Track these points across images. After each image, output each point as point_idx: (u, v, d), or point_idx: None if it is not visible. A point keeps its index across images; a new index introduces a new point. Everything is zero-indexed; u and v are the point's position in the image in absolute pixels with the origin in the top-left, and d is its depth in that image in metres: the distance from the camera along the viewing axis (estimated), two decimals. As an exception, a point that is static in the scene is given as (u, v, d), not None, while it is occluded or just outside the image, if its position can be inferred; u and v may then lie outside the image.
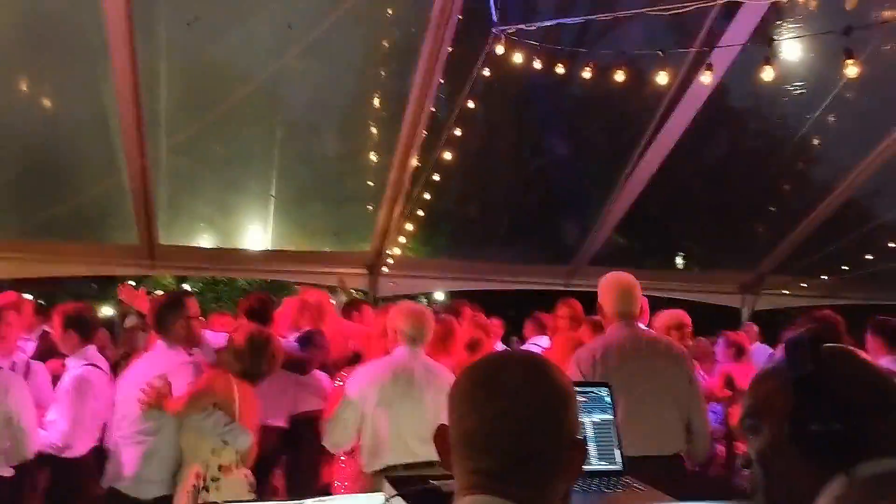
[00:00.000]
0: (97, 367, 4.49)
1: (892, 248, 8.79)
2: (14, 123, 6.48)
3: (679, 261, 9.91)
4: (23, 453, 3.98)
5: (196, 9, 6.00)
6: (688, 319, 5.35)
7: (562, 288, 9.19)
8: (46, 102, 6.65)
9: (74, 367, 4.43)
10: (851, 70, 5.02)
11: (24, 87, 6.48)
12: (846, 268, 9.07)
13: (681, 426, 3.64)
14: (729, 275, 9.59)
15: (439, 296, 12.16)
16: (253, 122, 6.95)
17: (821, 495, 1.18)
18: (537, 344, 6.39)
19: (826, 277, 9.24)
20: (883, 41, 6.37)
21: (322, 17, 5.96)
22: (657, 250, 9.58)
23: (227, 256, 8.23)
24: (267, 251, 8.11)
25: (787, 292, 9.61)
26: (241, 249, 8.12)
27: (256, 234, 8.10)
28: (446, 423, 1.25)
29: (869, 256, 8.88)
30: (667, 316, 5.32)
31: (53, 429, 4.28)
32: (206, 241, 8.09)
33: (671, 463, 3.56)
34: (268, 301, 5.61)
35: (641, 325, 3.94)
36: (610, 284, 3.82)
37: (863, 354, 1.34)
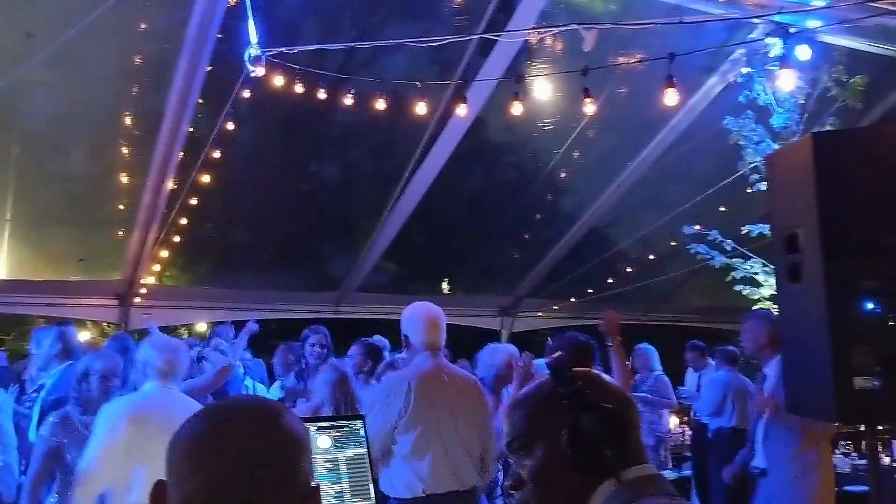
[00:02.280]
0: None
1: (629, 272, 9.71)
2: None
3: (444, 286, 10.21)
4: None
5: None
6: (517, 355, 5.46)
7: (330, 315, 9.12)
8: None
9: None
10: (589, 108, 5.47)
11: None
12: (591, 290, 9.85)
13: (478, 462, 3.69)
14: (489, 298, 10.05)
15: (201, 327, 11.55)
16: (-19, 136, 6.21)
17: (592, 500, 1.29)
18: None
19: (574, 300, 9.96)
20: (617, 84, 7.04)
21: (66, 26, 5.47)
22: (423, 275, 9.81)
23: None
24: (2, 281, 7.25)
25: (541, 314, 10.25)
26: (-33, 279, 7.20)
27: (-13, 261, 7.23)
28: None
29: (610, 280, 9.72)
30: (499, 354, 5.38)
31: None
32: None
33: (468, 498, 3.60)
34: None
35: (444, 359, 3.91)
36: (417, 315, 3.75)
37: (603, 375, 1.47)
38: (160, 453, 2.82)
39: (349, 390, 4.47)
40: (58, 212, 7.26)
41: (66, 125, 6.58)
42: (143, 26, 6.01)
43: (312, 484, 1.13)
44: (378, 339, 6.57)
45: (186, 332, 12.01)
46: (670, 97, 5.25)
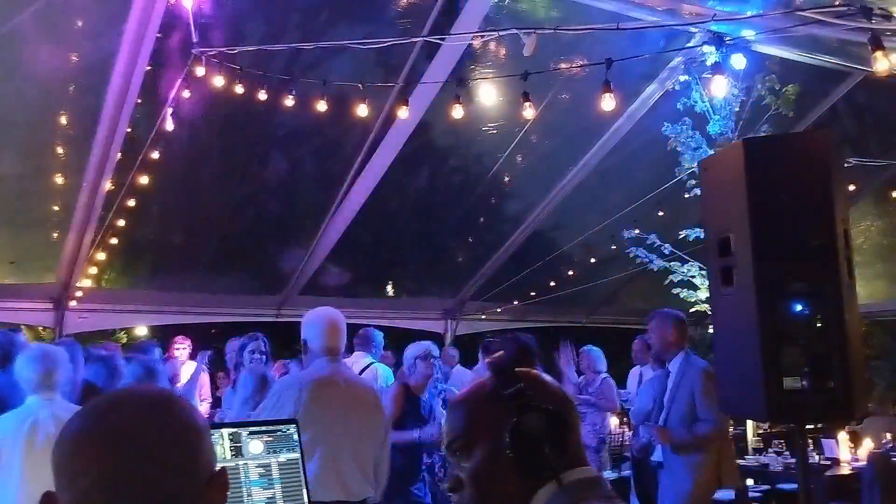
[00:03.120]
0: None
1: (570, 275, 9.84)
2: None
3: (389, 289, 10.20)
4: None
5: None
6: (436, 351, 5.50)
7: (273, 319, 9.03)
8: None
9: None
10: (528, 112, 5.52)
11: None
12: (533, 293, 9.95)
13: (370, 472, 3.61)
14: (433, 301, 10.07)
15: (141, 331, 11.32)
16: None
17: (533, 502, 1.27)
18: None
19: (517, 302, 10.05)
20: (560, 90, 7.13)
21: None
22: (368, 279, 9.77)
23: None
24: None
25: (485, 317, 10.31)
26: None
27: None
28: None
29: (552, 283, 9.83)
30: (415, 347, 5.42)
31: None
32: None
33: None
34: None
35: (357, 357, 3.89)
36: (315, 321, 3.71)
37: (545, 376, 1.44)
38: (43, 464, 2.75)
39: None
40: (-11, 213, 7.03)
41: (-1, 124, 6.39)
42: (79, 24, 5.86)
43: (216, 468, 1.10)
44: None
45: (126, 336, 11.76)
46: (608, 102, 5.34)
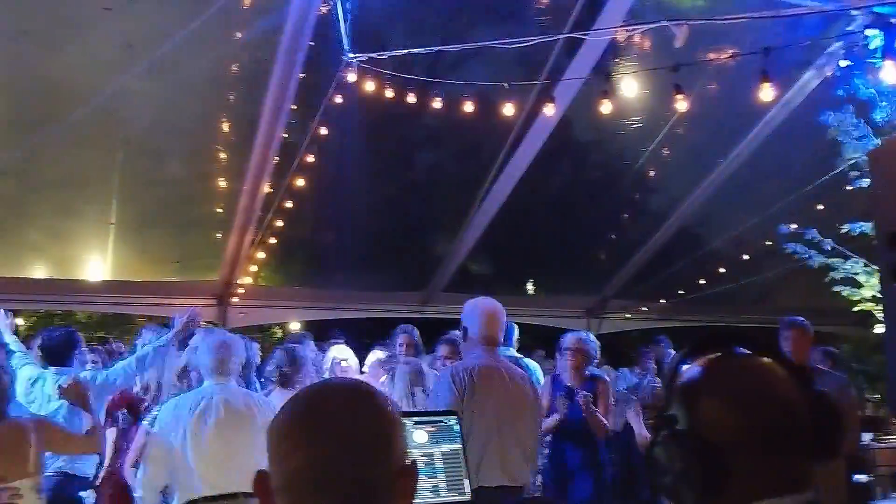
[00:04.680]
0: None
1: (721, 272, 9.46)
2: None
3: (529, 286, 10.19)
4: None
5: (25, 22, 5.62)
6: (590, 342, 5.51)
7: (417, 315, 9.23)
8: None
9: None
10: (681, 105, 5.36)
11: None
12: (682, 292, 9.65)
13: (531, 457, 3.68)
14: (575, 299, 9.96)
15: (294, 325, 11.88)
16: (90, 143, 6.54)
17: None
18: None
19: (664, 301, 9.78)
20: (709, 80, 6.88)
21: (165, 37, 5.72)
22: (508, 276, 9.80)
23: (63, 287, 7.68)
24: (107, 282, 7.63)
25: (629, 316, 10.10)
26: (77, 280, 7.60)
27: (95, 263, 7.61)
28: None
29: (701, 281, 9.49)
30: (567, 337, 5.52)
31: None
32: (38, 271, 7.52)
33: (517, 495, 3.59)
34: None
35: (502, 353, 3.95)
36: (475, 309, 3.79)
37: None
38: (220, 446, 2.94)
39: (424, 385, 4.60)
40: (158, 215, 7.58)
41: (166, 132, 6.87)
42: (238, 36, 6.22)
43: (408, 462, 1.16)
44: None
45: (280, 330, 12.38)
46: (766, 92, 5.11)
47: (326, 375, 5.50)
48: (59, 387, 3.98)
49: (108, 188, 6.95)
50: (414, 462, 1.16)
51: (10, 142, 6.21)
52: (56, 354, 4.89)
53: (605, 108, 5.48)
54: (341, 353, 5.67)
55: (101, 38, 5.91)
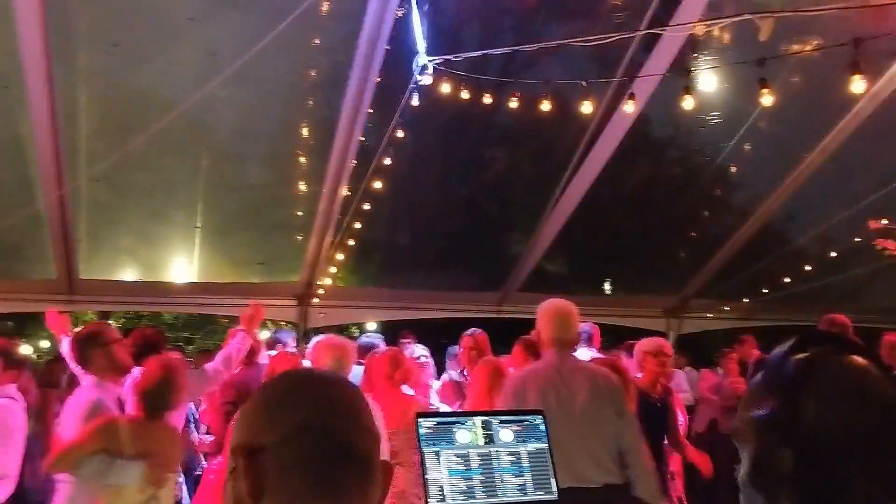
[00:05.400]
0: (14, 399, 4.30)
1: (807, 270, 9.16)
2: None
3: (606, 286, 10.08)
4: None
5: (116, 34, 5.87)
6: (668, 348, 5.41)
7: (493, 315, 9.25)
8: (-45, 130, 6.37)
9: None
10: (766, 99, 5.22)
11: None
12: (766, 290, 9.38)
13: (608, 459, 3.61)
14: (654, 299, 9.80)
15: (371, 326, 12.05)
16: (177, 150, 6.80)
17: None
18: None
19: (747, 300, 9.53)
20: (792, 72, 6.67)
21: (247, 45, 5.88)
22: (585, 276, 9.73)
23: (152, 289, 7.99)
24: (193, 283, 7.91)
25: (711, 315, 9.87)
26: (165, 282, 7.89)
27: (181, 265, 7.89)
28: None
29: (786, 279, 9.21)
30: (646, 342, 5.40)
31: None
32: (128, 274, 7.85)
33: (597, 495, 3.56)
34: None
35: (581, 353, 3.95)
36: (548, 311, 3.81)
37: None
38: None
39: (501, 383, 4.62)
40: (241, 218, 7.82)
41: (248, 137, 7.09)
42: (316, 42, 6.35)
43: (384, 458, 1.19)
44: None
45: (358, 330, 12.57)
46: (857, 84, 4.93)
47: None
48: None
49: (194, 193, 7.20)
50: (389, 463, 1.20)
51: (104, 150, 6.48)
52: (146, 354, 5.04)
53: (687, 104, 5.37)
54: (420, 351, 5.79)
55: (187, 47, 6.14)
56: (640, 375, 5.22)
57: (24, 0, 5.21)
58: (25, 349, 13.38)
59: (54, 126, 6.02)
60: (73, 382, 4.84)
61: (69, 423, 3.78)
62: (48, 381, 7.25)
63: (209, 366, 4.79)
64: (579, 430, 3.57)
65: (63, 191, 6.45)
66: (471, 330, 6.11)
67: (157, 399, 3.68)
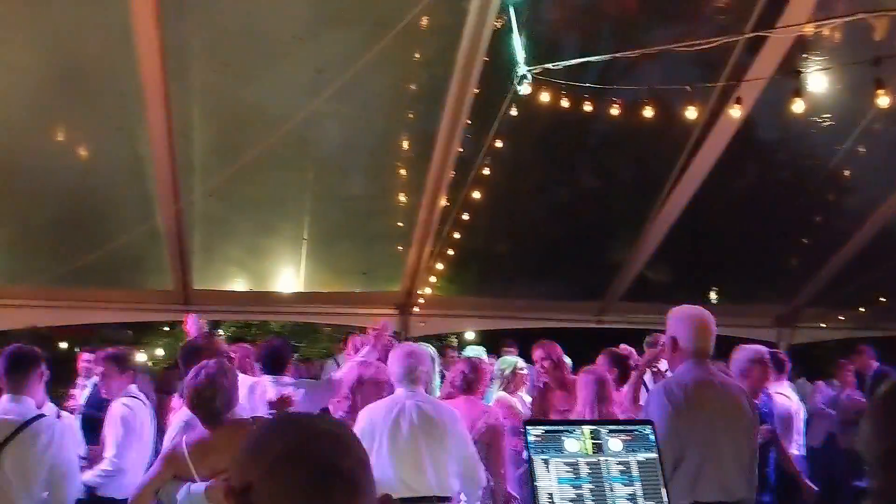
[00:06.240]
0: (140, 400, 4.54)
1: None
2: (50, 171, 6.61)
3: (712, 295, 9.77)
4: (63, 498, 3.97)
5: (227, 54, 6.14)
6: (769, 355, 5.29)
7: (593, 325, 9.13)
8: (82, 150, 6.79)
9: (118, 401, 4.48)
10: (883, 100, 4.99)
11: (59, 135, 6.62)
12: (883, 298, 8.92)
13: (745, 473, 3.50)
14: (763, 308, 9.46)
15: (470, 335, 12.10)
16: (284, 164, 7.04)
17: None
18: None
19: (863, 309, 9.07)
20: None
21: (351, 61, 6.05)
22: (689, 284, 9.46)
23: (260, 299, 8.28)
24: (298, 293, 8.15)
25: (825, 325, 9.45)
26: (273, 292, 8.17)
27: (288, 276, 8.15)
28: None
29: (907, 286, 8.73)
30: (748, 350, 5.28)
31: (101, 462, 4.28)
32: (239, 284, 8.16)
33: None
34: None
35: (713, 365, 3.77)
36: (685, 319, 3.62)
37: None
38: (415, 450, 3.01)
39: (606, 394, 4.57)
40: (344, 230, 8.02)
41: (351, 151, 7.28)
42: (416, 56, 6.47)
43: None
44: (625, 347, 6.44)
45: (456, 339, 12.65)
46: None
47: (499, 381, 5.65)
48: (269, 401, 4.26)
49: (300, 206, 7.45)
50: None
51: (216, 166, 6.79)
52: (274, 363, 5.18)
53: (797, 106, 5.17)
54: (521, 363, 5.81)
55: (294, 65, 6.36)
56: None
57: (143, 22, 5.54)
58: (140, 357, 14.10)
59: (171, 144, 6.35)
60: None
61: (169, 433, 3.87)
62: (164, 388, 7.66)
63: (335, 375, 4.95)
64: (732, 443, 3.45)
65: (178, 206, 6.78)
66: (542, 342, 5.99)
67: (208, 404, 3.48)
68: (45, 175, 6.63)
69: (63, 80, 6.05)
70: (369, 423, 3.90)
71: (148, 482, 3.51)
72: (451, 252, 7.85)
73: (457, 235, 7.64)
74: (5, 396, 3.77)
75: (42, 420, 3.72)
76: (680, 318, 3.63)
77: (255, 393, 4.65)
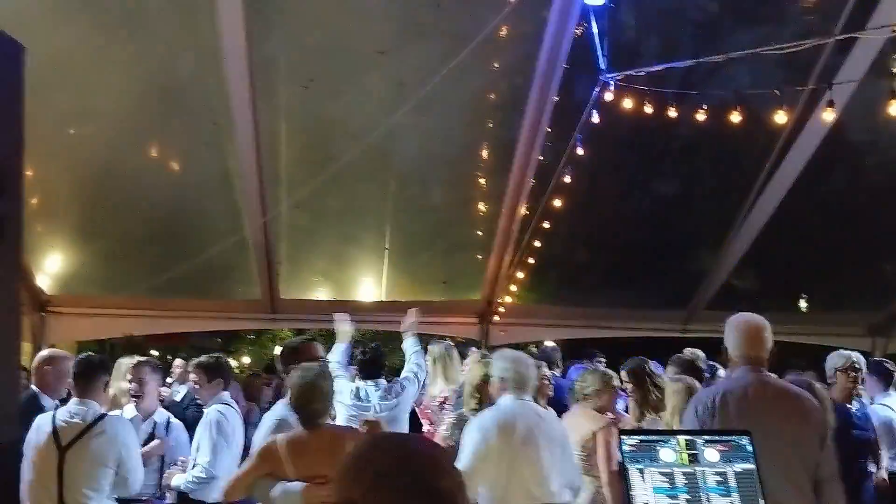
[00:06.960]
0: (233, 407, 4.69)
1: None
2: (145, 186, 6.93)
3: (802, 303, 9.45)
4: (127, 490, 4.18)
5: (312, 71, 6.31)
6: (861, 362, 5.14)
7: (678, 335, 8.94)
8: (173, 165, 7.08)
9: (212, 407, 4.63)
10: None
11: (152, 151, 6.92)
12: None
13: (809, 488, 3.28)
14: (856, 316, 9.10)
15: (550, 344, 11.98)
16: (367, 176, 7.17)
17: None
18: None
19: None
20: None
21: (431, 73, 6.12)
22: (778, 292, 9.18)
23: (343, 308, 8.41)
24: (380, 302, 8.27)
25: (924, 334, 9.03)
26: (355, 301, 8.31)
27: (370, 285, 8.28)
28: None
29: None
30: (836, 357, 5.16)
31: (196, 467, 4.44)
32: (322, 293, 8.33)
33: None
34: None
35: (770, 373, 3.68)
36: (735, 325, 3.54)
37: None
38: (525, 458, 3.01)
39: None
40: (425, 239, 8.11)
41: (431, 162, 7.36)
42: (496, 65, 6.50)
43: None
44: (690, 351, 6.30)
45: (535, 348, 12.57)
46: None
47: None
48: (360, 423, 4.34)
49: (382, 216, 7.57)
50: None
51: (301, 179, 6.98)
52: (370, 367, 5.37)
53: (893, 109, 4.98)
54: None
55: (376, 79, 6.48)
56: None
57: (232, 41, 5.75)
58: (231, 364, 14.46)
59: (258, 158, 6.56)
60: (279, 396, 5.22)
61: (257, 437, 3.87)
62: (250, 395, 7.88)
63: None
64: (783, 456, 3.34)
65: (266, 218, 6.99)
66: None
67: (305, 408, 3.53)
68: (140, 190, 6.94)
69: (158, 100, 6.35)
70: (480, 429, 3.88)
71: (242, 475, 3.53)
72: (531, 260, 7.84)
73: (537, 244, 7.62)
74: (73, 399, 4.19)
75: (105, 419, 4.11)
76: (729, 326, 3.56)
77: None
